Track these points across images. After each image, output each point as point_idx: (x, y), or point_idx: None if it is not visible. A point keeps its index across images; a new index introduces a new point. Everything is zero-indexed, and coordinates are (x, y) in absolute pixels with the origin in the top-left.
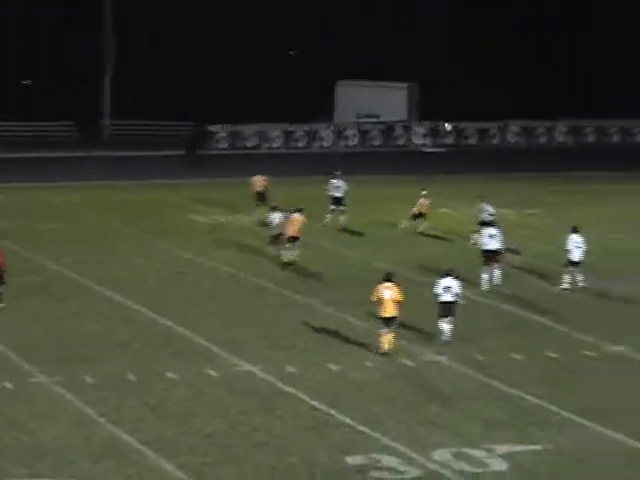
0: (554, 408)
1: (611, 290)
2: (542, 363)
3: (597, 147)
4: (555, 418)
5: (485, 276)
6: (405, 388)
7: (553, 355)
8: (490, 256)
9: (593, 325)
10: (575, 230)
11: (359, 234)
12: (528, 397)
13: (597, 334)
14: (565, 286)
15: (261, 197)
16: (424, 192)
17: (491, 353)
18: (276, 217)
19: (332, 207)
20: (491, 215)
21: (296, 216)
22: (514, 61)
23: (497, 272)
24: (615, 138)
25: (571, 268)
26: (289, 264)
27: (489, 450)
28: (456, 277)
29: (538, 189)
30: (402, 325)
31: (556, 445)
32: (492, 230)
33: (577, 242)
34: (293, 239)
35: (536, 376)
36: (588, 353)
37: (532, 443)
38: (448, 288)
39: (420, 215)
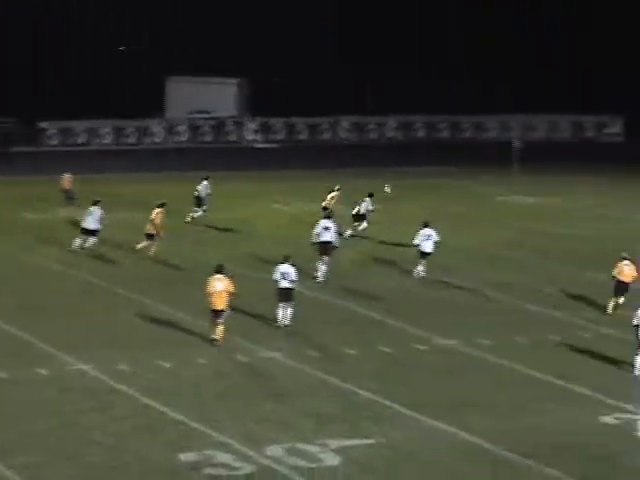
0: (387, 402)
1: (444, 285)
2: (375, 358)
3: (427, 142)
4: (388, 412)
5: (323, 267)
6: (239, 384)
7: (386, 350)
8: (324, 248)
9: (425, 319)
10: (426, 225)
11: (200, 232)
12: (361, 392)
13: (429, 328)
14: (421, 274)
15: (69, 195)
16: (337, 187)
17: (325, 348)
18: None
19: (203, 207)
20: (371, 211)
21: (158, 211)
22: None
23: (324, 266)
24: (445, 134)
25: (422, 260)
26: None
27: (323, 445)
28: (293, 264)
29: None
30: (237, 321)
31: (388, 439)
32: (327, 222)
33: (428, 234)
34: (150, 236)
35: (370, 371)
36: (420, 347)
37: (365, 437)
38: (285, 274)
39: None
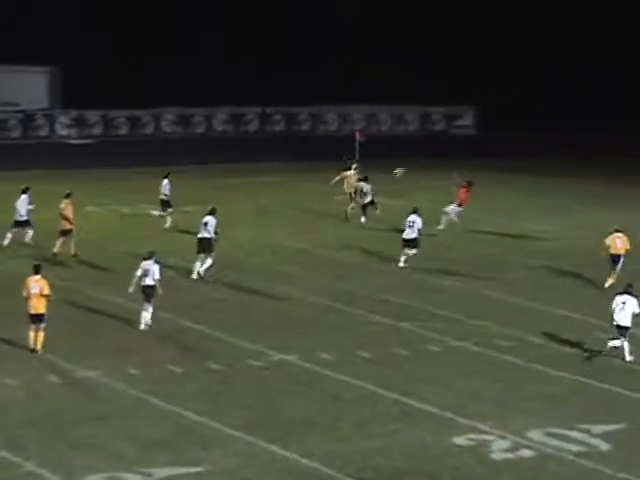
0: (217, 425)
1: (281, 293)
2: (204, 376)
3: (261, 136)
4: (218, 436)
5: (198, 263)
6: (53, 408)
7: (216, 367)
8: (203, 244)
9: (260, 332)
10: (415, 210)
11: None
12: (188, 414)
13: (264, 342)
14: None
15: None
16: (354, 166)
17: (148, 366)
18: None
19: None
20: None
21: (66, 202)
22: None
23: (209, 260)
24: (280, 126)
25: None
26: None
27: (146, 474)
28: (157, 261)
29: (197, 183)
30: (51, 338)
31: (219, 466)
32: (208, 217)
33: (412, 221)
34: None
35: (197, 390)
36: (255, 363)
37: (193, 465)
38: (147, 271)
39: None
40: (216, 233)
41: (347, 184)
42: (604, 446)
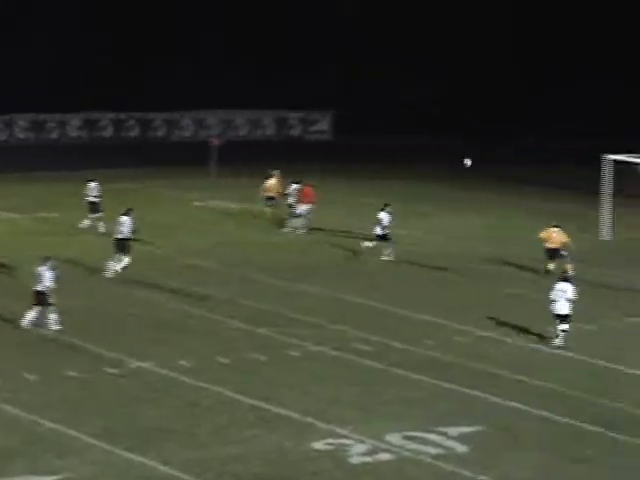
0: (73, 433)
1: (137, 300)
2: (60, 383)
3: (115, 142)
4: (75, 444)
5: (113, 263)
6: None
7: (72, 374)
8: (119, 244)
9: (117, 339)
10: (386, 205)
11: None
12: (44, 422)
13: (121, 349)
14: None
15: None
16: (275, 172)
17: (1, 373)
18: None
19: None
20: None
21: None
22: None
23: (126, 259)
24: (134, 132)
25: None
26: None
27: None
28: (52, 267)
29: (53, 190)
30: None
31: (77, 475)
32: (124, 218)
33: (381, 218)
34: None
35: (53, 398)
36: (112, 370)
37: (50, 473)
38: (40, 277)
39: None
40: (133, 233)
41: (268, 189)
42: (461, 448)
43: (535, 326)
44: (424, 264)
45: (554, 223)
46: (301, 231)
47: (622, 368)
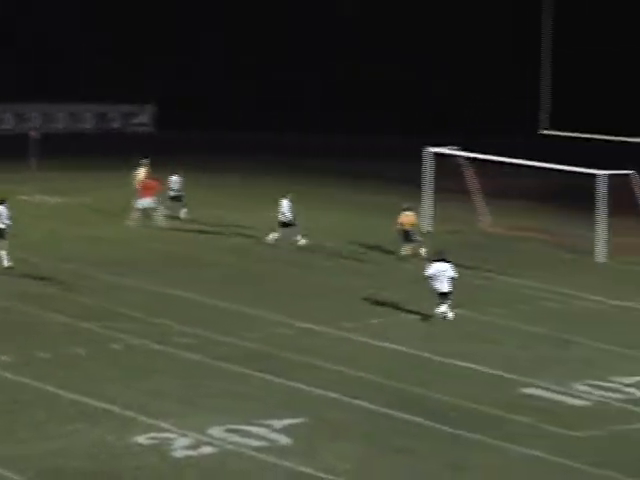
0: None
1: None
2: None
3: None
4: None
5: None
6: None
7: None
8: None
9: None
10: (288, 193)
11: None
12: None
13: None
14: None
15: None
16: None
17: None
18: None
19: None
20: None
21: None
22: None
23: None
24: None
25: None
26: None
27: None
28: None
29: None
30: None
31: None
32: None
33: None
34: None
35: None
36: None
37: None
38: None
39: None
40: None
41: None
42: (285, 440)
43: (355, 317)
44: (247, 257)
45: (406, 206)
46: (163, 223)
47: (440, 358)
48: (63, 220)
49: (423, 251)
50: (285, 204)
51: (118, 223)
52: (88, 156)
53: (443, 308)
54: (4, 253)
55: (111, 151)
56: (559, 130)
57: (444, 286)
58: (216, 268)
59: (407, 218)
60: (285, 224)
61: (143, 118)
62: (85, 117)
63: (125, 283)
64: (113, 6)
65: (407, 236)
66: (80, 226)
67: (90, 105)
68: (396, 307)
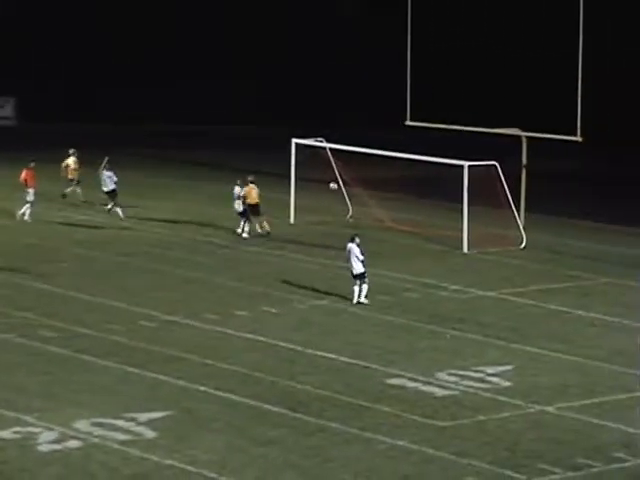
0: None
1: None
2: None
3: None
4: None
5: None
6: None
7: None
8: None
9: None
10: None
11: None
12: None
13: None
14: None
15: None
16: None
17: None
18: None
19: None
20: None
21: None
22: None
23: None
24: None
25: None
26: None
27: None
28: None
29: None
30: None
31: None
32: None
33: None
34: None
35: None
36: None
37: None
38: None
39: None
40: None
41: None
42: (150, 434)
43: (219, 309)
44: (109, 250)
45: (250, 179)
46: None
47: (305, 350)
48: None
49: (267, 225)
50: (238, 190)
51: None
52: None
53: (357, 289)
54: None
55: None
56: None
57: (356, 268)
58: (72, 261)
59: (254, 191)
60: (241, 213)
61: (5, 111)
62: None
63: None
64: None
65: (255, 210)
66: None
67: None
68: (260, 301)
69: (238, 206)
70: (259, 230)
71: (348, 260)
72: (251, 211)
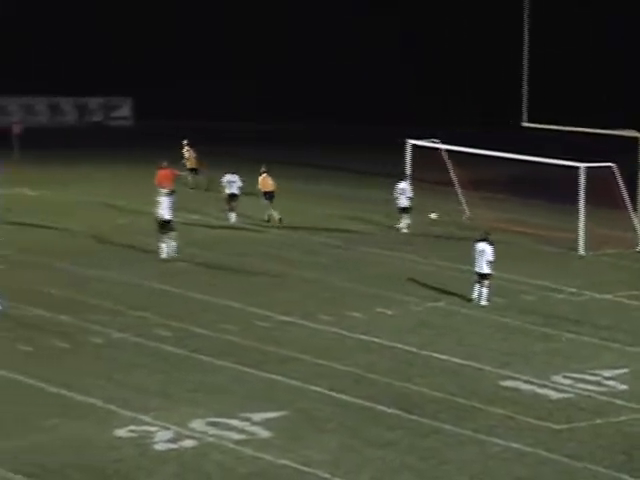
0: None
1: None
2: None
3: None
4: None
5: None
6: None
7: None
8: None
9: None
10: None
11: None
12: None
13: None
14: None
15: None
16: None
17: None
18: None
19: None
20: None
21: None
22: None
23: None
24: None
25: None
26: None
27: None
28: None
29: None
30: None
31: None
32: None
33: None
34: None
35: None
36: None
37: None
38: None
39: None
40: None
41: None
42: (265, 433)
43: (332, 310)
44: (225, 249)
45: (263, 169)
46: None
47: (420, 351)
48: (35, 213)
49: (275, 214)
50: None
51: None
52: (68, 149)
53: (477, 288)
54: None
55: (91, 144)
56: (538, 123)
57: (483, 268)
58: (182, 261)
59: (268, 180)
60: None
61: (123, 111)
62: (65, 110)
63: (96, 275)
64: (112, 7)
65: (271, 197)
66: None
67: (70, 98)
68: (375, 302)
69: (402, 201)
70: (274, 215)
71: (476, 259)
72: (266, 198)
